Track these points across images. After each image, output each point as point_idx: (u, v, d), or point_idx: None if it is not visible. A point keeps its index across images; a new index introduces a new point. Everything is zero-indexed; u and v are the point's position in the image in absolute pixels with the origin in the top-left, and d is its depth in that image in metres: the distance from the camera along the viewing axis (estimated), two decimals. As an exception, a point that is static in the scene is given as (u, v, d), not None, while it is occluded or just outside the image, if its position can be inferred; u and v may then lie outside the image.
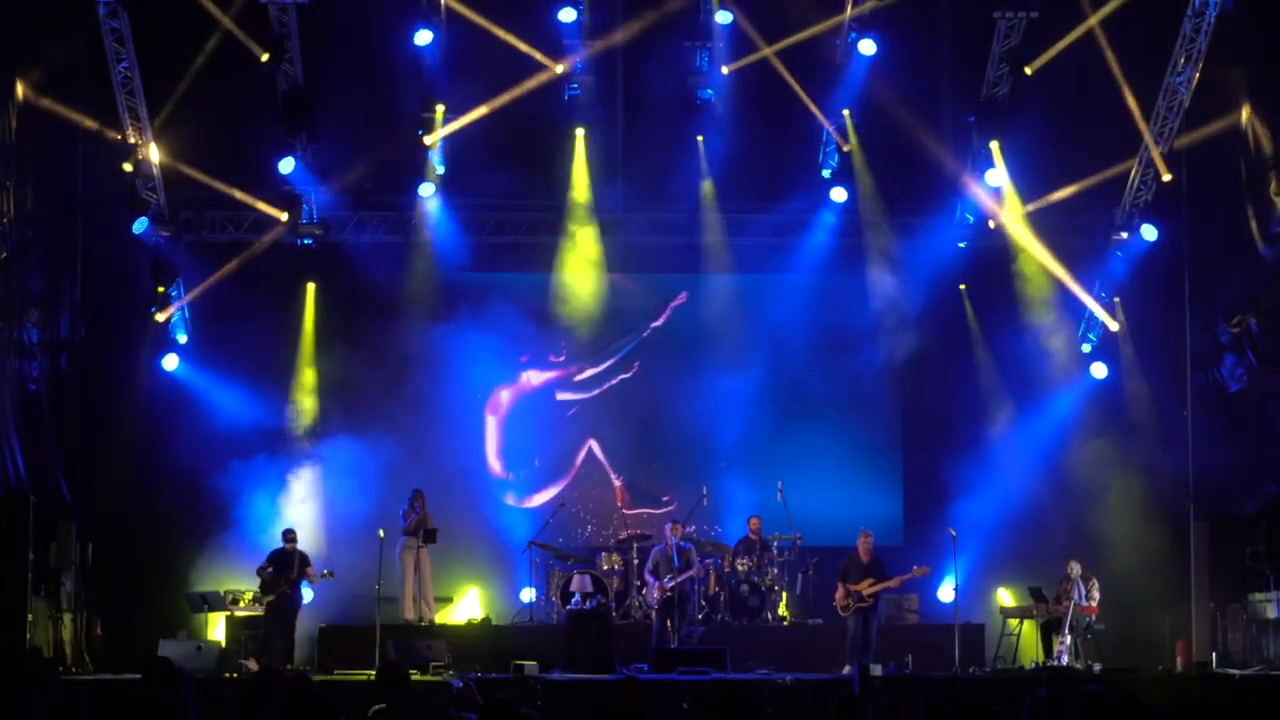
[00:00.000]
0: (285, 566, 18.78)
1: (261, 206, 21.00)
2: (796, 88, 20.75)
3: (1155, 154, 20.44)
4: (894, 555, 19.78)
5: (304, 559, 18.98)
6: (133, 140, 19.97)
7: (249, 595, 19.08)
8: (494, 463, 22.14)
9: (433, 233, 21.59)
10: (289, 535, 19.08)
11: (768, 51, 20.61)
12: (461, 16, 20.40)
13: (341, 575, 19.69)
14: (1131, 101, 20.28)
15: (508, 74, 20.68)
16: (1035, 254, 21.31)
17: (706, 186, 21.77)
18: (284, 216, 20.89)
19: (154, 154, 20.29)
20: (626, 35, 20.94)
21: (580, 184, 21.71)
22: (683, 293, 22.41)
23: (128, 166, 20.05)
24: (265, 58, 19.75)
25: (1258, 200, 20.09)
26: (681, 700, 9.31)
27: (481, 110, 20.72)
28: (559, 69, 20.74)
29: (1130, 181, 21.25)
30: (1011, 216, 21.31)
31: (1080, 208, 21.78)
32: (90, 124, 19.92)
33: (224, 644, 19.09)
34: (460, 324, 21.27)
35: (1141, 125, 20.40)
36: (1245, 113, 20.09)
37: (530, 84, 20.59)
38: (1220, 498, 20.68)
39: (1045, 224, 21.62)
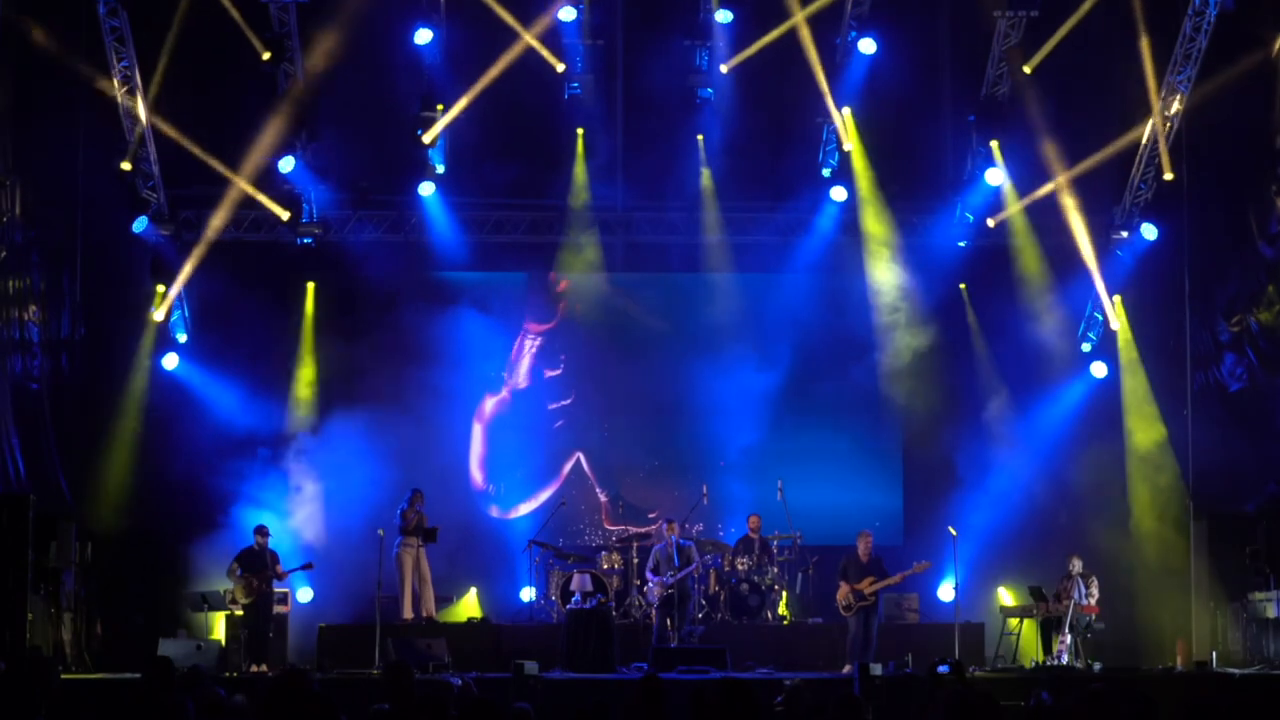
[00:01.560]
0: (257, 566, 18.73)
1: (263, 199, 20.92)
2: (817, 64, 20.55)
3: (1162, 131, 20.34)
4: (894, 554, 19.76)
5: (274, 556, 18.92)
6: (132, 139, 19.97)
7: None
8: (476, 473, 22.07)
9: (432, 232, 21.59)
10: (261, 531, 18.98)
11: (798, 23, 20.38)
12: (461, 16, 20.40)
13: (341, 574, 19.68)
14: (1149, 63, 19.99)
15: (507, 73, 20.66)
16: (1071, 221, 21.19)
17: (706, 185, 21.76)
18: (285, 215, 20.86)
19: (153, 153, 20.30)
20: (626, 34, 20.93)
21: (580, 183, 21.71)
22: (563, 280, 22.18)
23: (126, 165, 20.02)
24: (266, 56, 19.72)
25: (1258, 198, 20.07)
26: (681, 700, 9.30)
27: (464, 101, 20.60)
28: (560, 67, 20.71)
29: (1130, 180, 21.25)
30: (1012, 215, 21.37)
31: (1080, 207, 21.79)
32: (90, 123, 19.90)
33: (224, 643, 19.07)
34: (460, 323, 21.28)
35: (1153, 93, 20.20)
36: (1278, 44, 19.85)
37: (514, 51, 20.44)
38: (1220, 497, 20.67)
39: (1045, 223, 21.64)
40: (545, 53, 20.52)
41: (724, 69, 20.78)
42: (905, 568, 18.90)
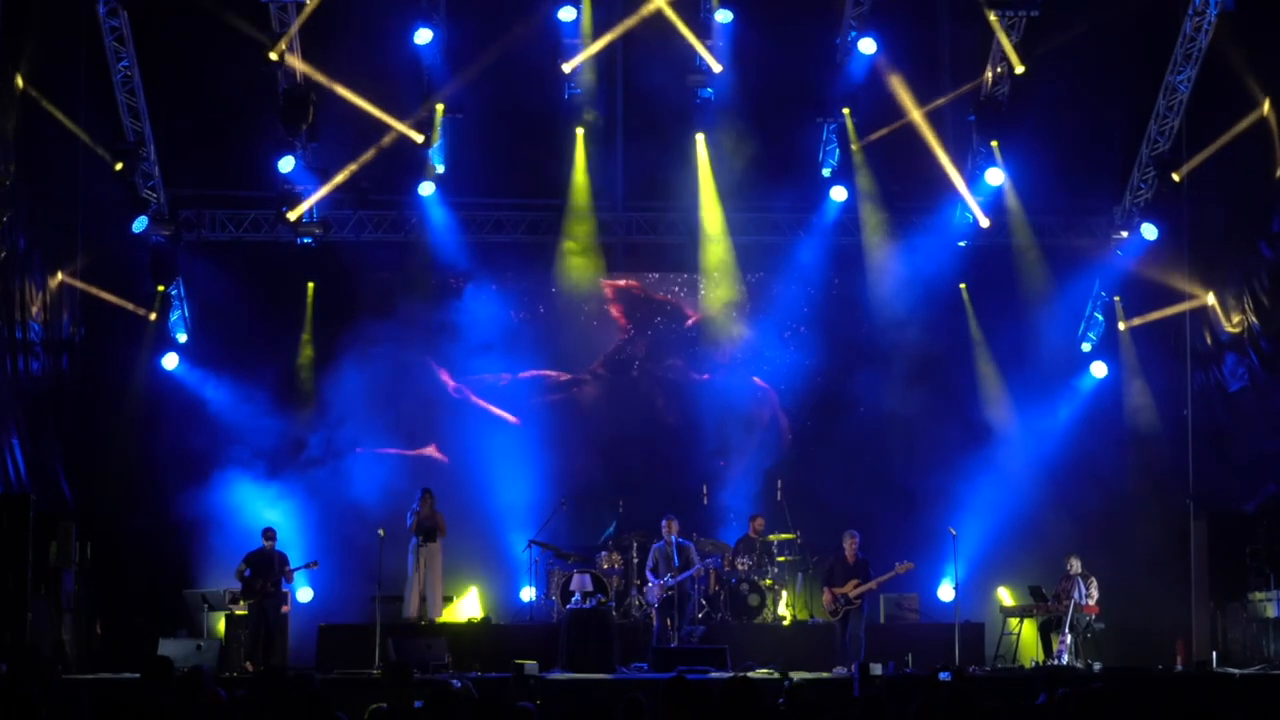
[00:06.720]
0: (265, 567, 18.75)
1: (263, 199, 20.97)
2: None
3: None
4: (894, 555, 19.72)
5: (283, 559, 18.95)
6: (133, 139, 19.98)
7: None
8: None
9: (432, 232, 21.59)
10: (268, 534, 19.01)
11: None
12: (461, 15, 20.40)
13: (342, 574, 19.67)
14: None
15: (507, 73, 20.66)
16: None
17: (706, 185, 21.74)
18: (292, 216, 20.83)
19: (154, 153, 20.30)
20: (626, 34, 20.91)
21: (580, 184, 21.70)
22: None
23: (118, 166, 19.99)
24: (275, 56, 19.66)
25: (1258, 198, 20.06)
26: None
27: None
28: (567, 68, 20.68)
29: (1130, 180, 21.25)
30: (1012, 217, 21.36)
31: (1080, 207, 21.80)
32: (91, 123, 19.90)
33: (224, 643, 19.08)
34: (460, 322, 21.27)
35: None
36: (1266, 106, 19.87)
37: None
38: (1220, 497, 20.68)
39: (1045, 223, 21.66)
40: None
41: (716, 68, 20.71)
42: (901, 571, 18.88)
